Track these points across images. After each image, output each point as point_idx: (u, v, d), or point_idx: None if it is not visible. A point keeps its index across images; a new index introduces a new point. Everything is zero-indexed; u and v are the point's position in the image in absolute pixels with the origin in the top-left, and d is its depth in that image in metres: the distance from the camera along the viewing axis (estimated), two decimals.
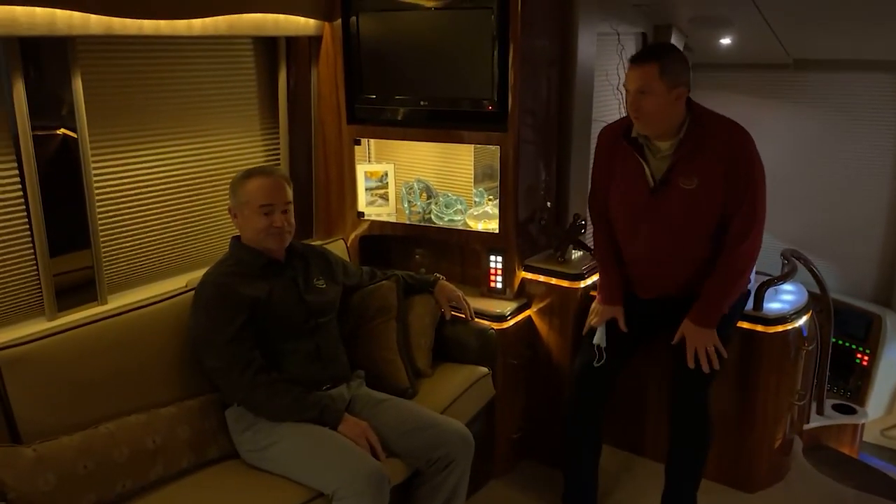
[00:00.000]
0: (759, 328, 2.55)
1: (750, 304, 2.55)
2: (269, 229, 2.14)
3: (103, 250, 2.42)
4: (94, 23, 2.10)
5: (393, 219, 3.06)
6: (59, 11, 2.01)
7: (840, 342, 3.75)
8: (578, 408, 2.48)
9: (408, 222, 3.01)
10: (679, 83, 2.16)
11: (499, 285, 2.85)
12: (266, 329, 2.11)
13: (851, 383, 3.71)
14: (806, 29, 3.35)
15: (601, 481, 2.57)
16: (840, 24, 3.22)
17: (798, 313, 2.61)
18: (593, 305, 2.48)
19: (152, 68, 2.51)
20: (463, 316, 2.66)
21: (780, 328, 2.55)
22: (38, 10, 1.97)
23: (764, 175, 2.25)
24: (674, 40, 3.53)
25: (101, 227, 2.40)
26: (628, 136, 2.30)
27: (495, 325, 2.70)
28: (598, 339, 2.41)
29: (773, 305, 2.60)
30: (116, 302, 2.40)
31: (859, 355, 3.71)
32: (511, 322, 2.75)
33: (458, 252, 3.05)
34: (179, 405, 2.09)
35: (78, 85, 2.22)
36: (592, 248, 2.64)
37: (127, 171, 2.48)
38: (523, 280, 2.84)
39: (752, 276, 2.56)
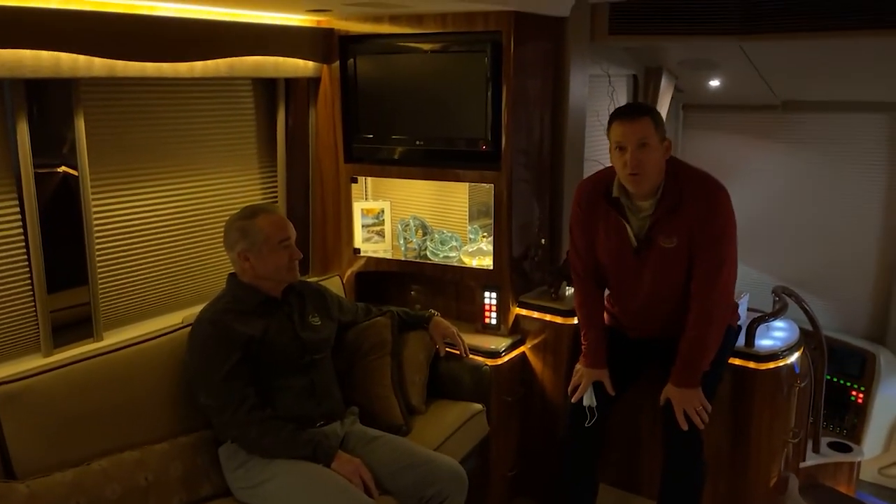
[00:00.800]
0: (752, 364, 2.56)
1: (742, 341, 2.57)
2: (290, 263, 2.17)
3: (100, 287, 2.44)
4: (98, 65, 2.16)
5: (389, 255, 3.09)
6: (63, 55, 2.07)
7: (835, 379, 3.75)
8: (573, 444, 2.47)
9: (403, 259, 3.04)
10: (665, 137, 2.20)
11: (493, 321, 2.87)
12: (261, 366, 2.12)
13: (847, 421, 3.70)
14: (792, 73, 3.44)
15: None
16: (825, 68, 3.30)
17: (790, 350, 2.62)
18: (577, 367, 2.44)
19: (153, 108, 2.57)
20: (457, 352, 2.67)
21: (771, 364, 2.56)
22: (44, 53, 2.03)
23: (735, 229, 2.26)
24: (664, 82, 3.62)
25: (98, 264, 2.42)
26: (608, 197, 2.29)
27: (490, 362, 2.71)
28: (588, 400, 2.37)
29: (764, 342, 2.62)
30: (112, 339, 2.41)
31: (854, 392, 3.71)
32: (505, 358, 2.77)
33: (454, 288, 3.08)
34: (172, 442, 2.09)
35: (80, 124, 2.26)
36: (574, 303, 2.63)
37: (126, 209, 2.51)
38: (517, 316, 2.87)
39: (744, 312, 2.59)
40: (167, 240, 2.67)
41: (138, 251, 2.57)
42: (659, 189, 2.21)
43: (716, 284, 2.23)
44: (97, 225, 2.41)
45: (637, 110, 2.21)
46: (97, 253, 2.41)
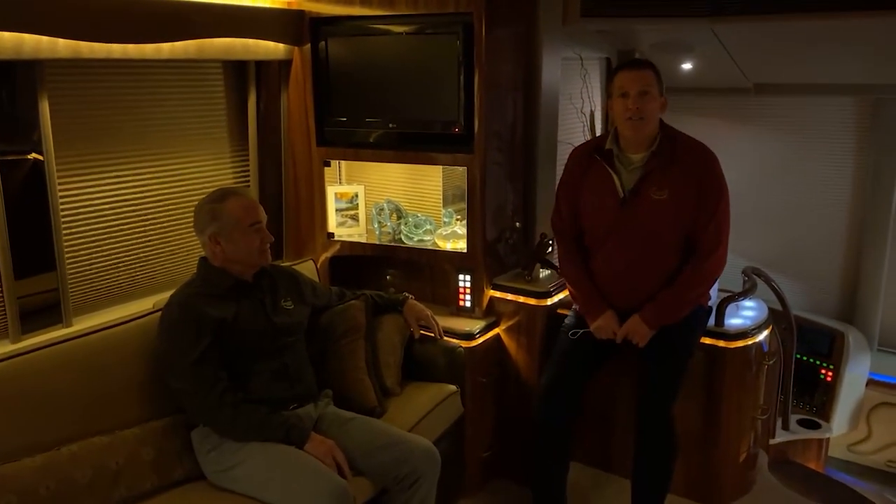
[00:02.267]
0: (721, 343, 2.60)
1: (712, 321, 2.61)
2: (262, 246, 2.16)
3: (69, 272, 2.41)
4: (62, 47, 2.12)
5: (363, 239, 3.09)
6: (26, 35, 2.03)
7: (804, 358, 3.82)
8: (545, 422, 2.50)
9: (378, 242, 3.04)
10: (663, 94, 2.33)
11: (468, 304, 2.88)
12: (233, 349, 2.11)
13: (817, 399, 3.76)
14: (763, 55, 3.47)
15: (570, 499, 2.59)
16: (796, 50, 3.34)
17: (758, 328, 2.67)
18: (596, 324, 2.45)
19: (121, 90, 2.53)
20: (432, 335, 2.68)
21: (741, 343, 2.61)
22: (6, 34, 1.99)
23: (728, 195, 2.35)
24: None
25: (67, 250, 2.40)
26: (600, 151, 2.40)
27: (464, 344, 2.73)
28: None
29: (734, 321, 2.67)
30: (82, 324, 2.39)
31: (823, 371, 3.77)
32: (480, 340, 2.78)
33: (428, 272, 3.08)
34: (143, 426, 2.08)
35: (45, 107, 2.23)
36: (558, 266, 2.70)
37: (94, 193, 2.48)
38: (492, 298, 2.88)
39: (715, 292, 2.63)
40: (137, 224, 2.64)
41: (107, 236, 2.55)
42: (655, 142, 2.33)
43: (715, 251, 2.32)
44: (64, 210, 2.38)
45: (642, 62, 2.41)
46: (65, 238, 2.38)
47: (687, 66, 3.67)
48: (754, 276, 2.93)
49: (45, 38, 2.07)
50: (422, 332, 2.68)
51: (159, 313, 2.16)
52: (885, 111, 3.68)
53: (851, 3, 2.63)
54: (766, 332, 2.72)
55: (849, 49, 3.23)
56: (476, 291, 2.85)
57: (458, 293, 2.88)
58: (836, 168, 3.95)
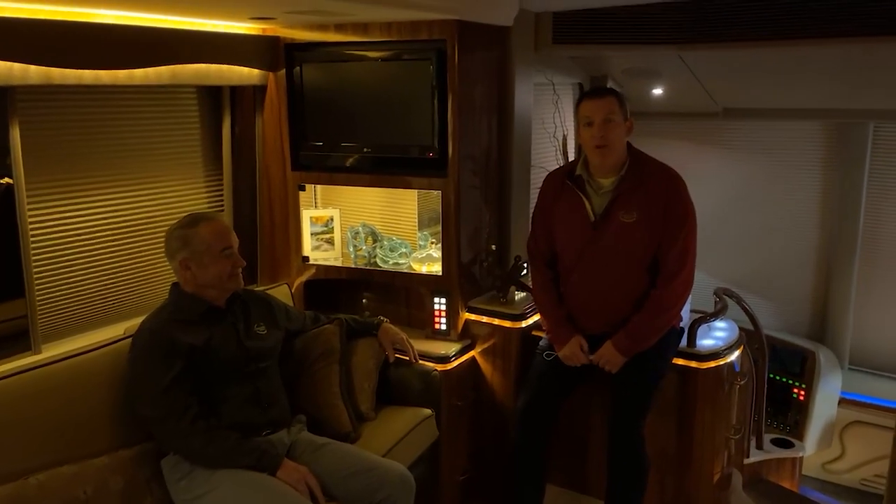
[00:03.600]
0: (694, 364, 2.63)
1: (684, 342, 2.64)
2: (233, 271, 2.15)
3: (39, 299, 2.38)
4: (34, 73, 2.12)
5: (339, 263, 3.09)
6: None
7: (777, 377, 3.86)
8: (522, 445, 2.51)
9: (353, 266, 3.04)
10: (628, 117, 2.38)
11: (443, 327, 2.88)
12: (205, 375, 2.10)
13: (790, 418, 3.80)
14: (731, 81, 3.55)
15: None
16: (762, 76, 3.42)
17: (730, 349, 2.71)
18: (563, 353, 2.49)
19: (93, 116, 2.53)
20: (407, 358, 2.68)
21: (713, 363, 2.64)
22: None
23: (695, 218, 2.39)
24: None
25: (36, 275, 2.37)
26: (571, 176, 2.45)
27: (439, 367, 2.73)
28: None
29: (706, 342, 2.70)
30: (51, 351, 2.36)
31: (796, 390, 3.81)
32: (455, 363, 2.79)
33: (404, 295, 3.09)
34: (112, 455, 2.05)
35: (16, 133, 2.22)
36: (532, 289, 2.72)
37: (65, 219, 2.47)
38: (467, 321, 2.89)
39: (687, 313, 2.67)
40: (109, 250, 2.62)
41: (78, 262, 2.52)
42: (623, 167, 2.39)
43: (680, 273, 2.36)
44: (34, 236, 2.36)
45: (604, 90, 2.47)
46: (34, 264, 2.36)
47: (658, 91, 3.74)
48: (725, 297, 2.97)
49: (16, 65, 2.07)
50: (397, 355, 2.68)
51: (130, 340, 2.14)
52: (849, 134, 3.77)
53: (810, 31, 2.72)
54: (737, 353, 2.75)
55: (812, 75, 3.32)
56: (451, 314, 2.86)
57: (434, 316, 2.89)
58: (803, 190, 4.03)
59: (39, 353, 2.37)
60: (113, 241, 2.63)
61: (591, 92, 2.53)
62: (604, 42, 3.07)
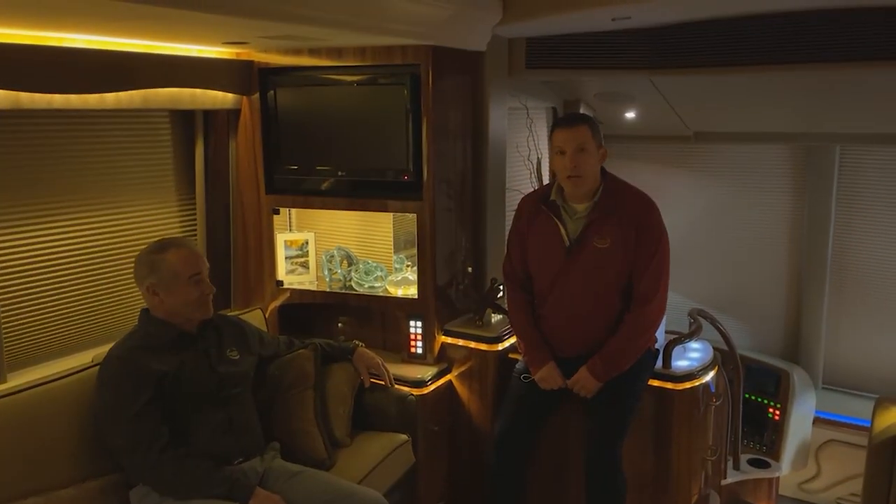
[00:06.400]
0: (669, 385, 2.63)
1: (659, 363, 2.65)
2: (201, 298, 2.12)
3: (4, 326, 2.32)
4: (2, 97, 2.09)
5: (314, 287, 3.06)
6: None
7: (753, 398, 3.88)
8: (500, 469, 2.49)
9: (328, 290, 3.02)
10: (601, 145, 2.39)
11: (419, 350, 2.87)
12: (176, 402, 2.06)
13: (766, 438, 3.81)
14: (701, 105, 3.62)
15: None
16: (732, 101, 3.49)
17: (705, 369, 2.72)
18: (539, 376, 2.49)
19: (64, 140, 2.49)
20: (382, 383, 2.65)
21: (688, 385, 2.65)
22: None
23: (668, 243, 2.42)
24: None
25: (2, 303, 2.32)
26: (546, 201, 2.45)
27: (415, 391, 2.71)
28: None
29: (681, 363, 2.71)
30: (17, 380, 2.29)
31: (771, 410, 3.83)
32: (431, 387, 2.77)
33: (380, 318, 3.07)
34: (79, 486, 2.00)
35: None
36: (508, 311, 2.72)
37: (32, 245, 2.42)
38: (443, 344, 2.88)
39: (662, 335, 2.68)
40: (78, 276, 2.57)
41: (46, 288, 2.48)
42: (596, 193, 2.39)
43: (653, 297, 2.38)
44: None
45: (576, 118, 2.46)
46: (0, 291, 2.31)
47: (630, 114, 3.79)
48: (700, 318, 2.99)
49: None
50: (372, 380, 2.65)
51: (98, 367, 2.09)
52: (817, 158, 3.85)
53: (774, 57, 2.78)
54: (712, 373, 2.77)
55: (780, 100, 3.39)
56: (427, 337, 2.85)
57: (410, 339, 2.87)
58: (774, 211, 4.10)
59: (5, 381, 2.30)
60: (82, 266, 2.58)
61: (564, 120, 2.53)
62: (576, 67, 3.11)
